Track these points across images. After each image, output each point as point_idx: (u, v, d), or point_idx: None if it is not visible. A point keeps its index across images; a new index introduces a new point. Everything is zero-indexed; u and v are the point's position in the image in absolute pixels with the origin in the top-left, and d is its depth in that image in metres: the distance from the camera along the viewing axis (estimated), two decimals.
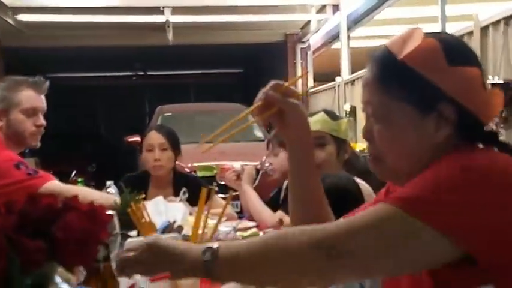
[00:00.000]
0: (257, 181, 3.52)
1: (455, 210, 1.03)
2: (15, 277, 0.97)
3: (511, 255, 1.03)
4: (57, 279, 1.04)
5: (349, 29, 8.11)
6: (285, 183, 3.16)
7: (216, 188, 2.15)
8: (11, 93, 2.49)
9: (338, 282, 1.19)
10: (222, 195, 3.76)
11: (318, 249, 1.05)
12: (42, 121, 2.56)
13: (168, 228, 1.65)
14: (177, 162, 3.44)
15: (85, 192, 2.38)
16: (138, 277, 1.19)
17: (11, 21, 9.02)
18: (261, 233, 2.37)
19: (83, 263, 1.05)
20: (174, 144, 3.39)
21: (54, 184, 2.36)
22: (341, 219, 1.14)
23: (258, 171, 3.83)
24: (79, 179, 3.35)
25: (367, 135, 1.21)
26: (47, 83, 2.58)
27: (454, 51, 1.14)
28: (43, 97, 2.60)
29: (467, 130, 1.12)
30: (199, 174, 3.41)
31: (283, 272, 1.07)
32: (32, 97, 2.52)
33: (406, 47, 1.14)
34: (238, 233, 2.34)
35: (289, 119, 1.32)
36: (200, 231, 1.61)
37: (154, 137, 3.37)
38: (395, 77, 1.15)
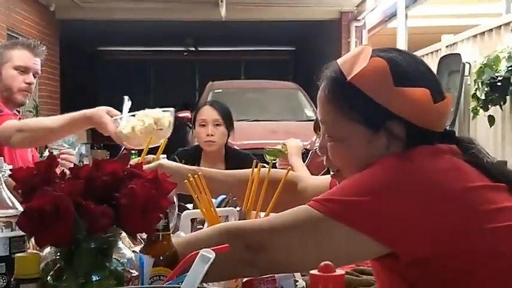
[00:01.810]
0: (307, 161, 3.50)
1: (370, 210, 1.08)
2: (81, 240, 0.99)
3: (428, 252, 1.08)
4: (121, 244, 1.05)
5: (407, 7, 7.92)
6: None
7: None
8: (5, 50, 2.68)
9: (255, 275, 1.26)
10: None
11: (237, 243, 1.12)
12: (32, 79, 2.71)
13: (224, 201, 1.65)
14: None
15: (40, 120, 2.53)
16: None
17: None
18: None
19: (145, 230, 1.06)
20: (228, 120, 3.38)
21: (10, 122, 2.46)
22: (270, 216, 1.23)
23: (307, 151, 3.80)
24: (132, 151, 3.39)
25: (322, 150, 1.27)
26: (44, 48, 2.75)
27: (402, 72, 1.17)
28: (38, 60, 2.75)
29: (417, 143, 1.15)
30: (268, 158, 3.30)
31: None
32: (25, 56, 2.69)
33: (355, 67, 1.17)
34: None
35: None
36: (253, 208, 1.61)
37: (208, 112, 3.37)
38: (345, 97, 1.19)
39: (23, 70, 2.67)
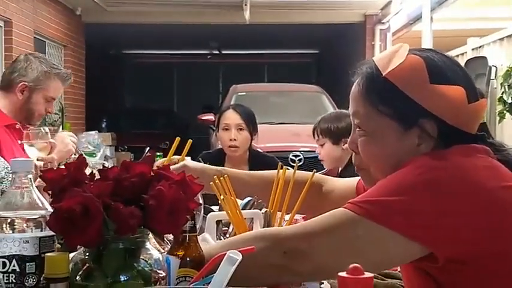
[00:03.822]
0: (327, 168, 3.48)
1: (408, 210, 1.07)
2: (110, 241, 1.00)
3: (466, 252, 1.07)
4: (148, 245, 1.06)
5: (432, 10, 7.85)
6: (339, 169, 3.10)
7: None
8: (45, 78, 2.75)
9: (296, 282, 1.24)
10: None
11: (275, 250, 1.11)
12: (53, 109, 2.90)
13: (250, 203, 1.65)
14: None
15: None
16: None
17: None
18: None
19: (172, 231, 1.07)
20: (251, 124, 3.35)
21: None
22: (303, 222, 1.21)
23: None
24: (157, 153, 3.40)
25: (353, 146, 1.26)
26: (71, 79, 2.92)
27: (438, 70, 1.17)
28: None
29: (449, 143, 1.15)
30: None
31: (244, 272, 1.02)
32: (57, 89, 2.82)
33: (391, 64, 1.18)
34: None
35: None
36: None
37: (231, 117, 3.35)
38: (379, 92, 1.19)
39: (49, 100, 2.79)
